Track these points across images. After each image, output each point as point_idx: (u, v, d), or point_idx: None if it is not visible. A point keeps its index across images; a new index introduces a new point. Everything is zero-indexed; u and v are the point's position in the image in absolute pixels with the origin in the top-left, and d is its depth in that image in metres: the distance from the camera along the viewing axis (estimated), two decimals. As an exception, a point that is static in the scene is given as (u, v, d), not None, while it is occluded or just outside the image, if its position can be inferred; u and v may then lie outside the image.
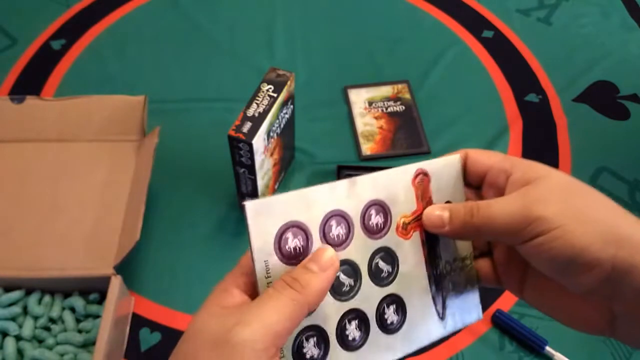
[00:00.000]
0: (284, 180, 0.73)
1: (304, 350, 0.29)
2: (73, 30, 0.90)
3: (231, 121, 0.58)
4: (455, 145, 0.76)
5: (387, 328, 0.31)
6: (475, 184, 0.34)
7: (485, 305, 0.63)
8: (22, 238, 0.63)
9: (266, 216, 0.28)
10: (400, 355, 0.31)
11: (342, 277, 0.30)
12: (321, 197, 0.29)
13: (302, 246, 0.29)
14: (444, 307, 0.33)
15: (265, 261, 0.28)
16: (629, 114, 0.83)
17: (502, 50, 0.90)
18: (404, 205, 0.32)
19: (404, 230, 0.32)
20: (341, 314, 0.30)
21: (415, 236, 0.32)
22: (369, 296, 0.31)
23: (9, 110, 0.71)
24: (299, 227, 0.29)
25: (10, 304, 0.59)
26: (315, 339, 0.29)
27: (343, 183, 0.30)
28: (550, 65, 0.88)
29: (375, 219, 0.31)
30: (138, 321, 0.62)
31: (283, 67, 0.63)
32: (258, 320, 0.26)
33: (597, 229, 0.27)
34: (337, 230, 0.30)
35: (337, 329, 0.30)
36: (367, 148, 0.77)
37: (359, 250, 0.30)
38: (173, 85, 0.83)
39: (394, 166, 0.32)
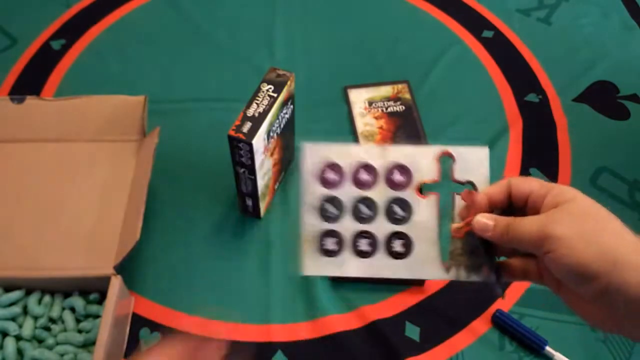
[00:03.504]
0: (284, 180, 0.73)
1: (324, 244, 0.41)
2: (73, 30, 0.91)
3: (231, 121, 0.58)
4: (455, 145, 0.76)
5: (392, 254, 0.41)
6: (520, 205, 0.40)
7: (485, 306, 0.63)
8: (22, 238, 0.63)
9: (317, 152, 0.41)
10: (397, 276, 0.42)
11: (362, 208, 0.41)
12: (358, 152, 0.41)
13: (336, 180, 0.41)
14: (451, 259, 0.41)
15: (308, 181, 0.41)
16: (629, 114, 0.83)
17: (502, 50, 0.90)
18: (425, 174, 0.41)
19: (457, 232, 0.41)
20: (357, 231, 0.41)
21: (432, 198, 0.41)
22: (381, 227, 0.41)
23: (9, 110, 0.71)
24: (337, 167, 0.41)
25: (10, 304, 0.59)
26: (334, 239, 0.41)
27: (376, 147, 0.42)
28: (550, 65, 0.88)
29: (398, 178, 0.41)
30: (138, 321, 0.62)
31: (283, 67, 0.63)
32: None
33: (599, 250, 0.33)
34: (364, 176, 0.41)
35: (352, 239, 0.41)
36: (367, 148, 0.77)
37: (380, 194, 0.41)
38: (173, 85, 0.83)
39: None
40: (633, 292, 0.32)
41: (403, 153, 0.42)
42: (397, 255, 0.42)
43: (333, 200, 0.41)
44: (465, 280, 0.41)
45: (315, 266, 0.42)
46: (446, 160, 0.42)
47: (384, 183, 0.42)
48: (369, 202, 0.42)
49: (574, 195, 0.36)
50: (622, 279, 0.33)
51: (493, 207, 0.40)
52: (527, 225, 0.36)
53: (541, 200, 0.37)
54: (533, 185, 0.38)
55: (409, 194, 0.42)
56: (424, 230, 0.42)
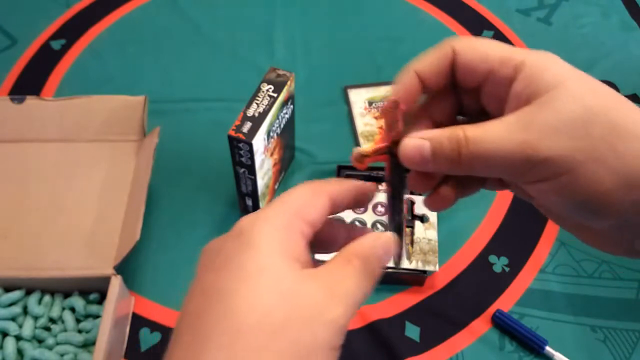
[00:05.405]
0: (283, 180, 0.73)
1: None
2: (73, 30, 0.90)
3: (231, 121, 0.58)
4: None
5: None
6: (469, 87, 0.27)
7: (485, 306, 0.63)
8: (22, 238, 0.63)
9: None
10: None
11: (357, 223, 0.65)
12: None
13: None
14: (413, 256, 0.62)
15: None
16: (629, 114, 0.83)
17: (502, 50, 0.90)
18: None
19: (359, 162, 0.30)
20: (353, 218, 0.65)
21: None
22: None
23: (9, 110, 0.71)
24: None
25: (10, 304, 0.59)
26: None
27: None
28: (550, 65, 0.88)
29: (380, 209, 0.67)
30: (138, 321, 0.62)
31: (283, 67, 0.63)
32: (347, 300, 0.25)
33: (622, 170, 0.22)
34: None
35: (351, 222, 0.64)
36: (367, 148, 0.77)
37: (368, 217, 0.66)
38: (173, 85, 0.83)
39: None
40: None
41: (382, 197, 0.65)
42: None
43: (337, 218, 0.58)
44: (422, 269, 0.62)
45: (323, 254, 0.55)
46: (410, 202, 0.65)
47: (371, 211, 0.67)
48: (361, 220, 0.66)
49: (562, 79, 0.23)
50: None
51: (428, 92, 0.28)
52: (496, 140, 0.23)
53: (506, 85, 0.24)
54: (491, 59, 0.25)
55: (386, 218, 0.61)
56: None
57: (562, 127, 0.22)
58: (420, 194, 0.66)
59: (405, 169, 0.28)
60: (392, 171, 0.29)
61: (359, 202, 0.30)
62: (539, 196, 0.25)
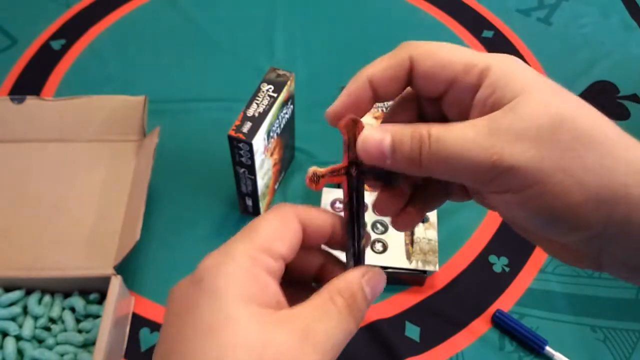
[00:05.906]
0: (283, 180, 0.73)
1: None
2: (73, 30, 0.90)
3: (231, 121, 0.58)
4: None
5: (374, 251, 0.62)
6: (429, 95, 0.25)
7: (485, 306, 0.63)
8: (22, 238, 0.63)
9: (330, 193, 0.67)
10: (378, 264, 0.48)
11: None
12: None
13: (339, 207, 0.64)
14: (413, 256, 0.61)
15: (324, 206, 0.62)
16: (629, 114, 0.83)
17: (502, 50, 0.90)
18: None
19: (314, 183, 0.29)
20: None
21: None
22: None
23: (9, 110, 0.71)
24: (341, 200, 0.63)
25: (10, 304, 0.59)
26: None
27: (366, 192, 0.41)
28: (550, 65, 0.88)
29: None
30: (138, 321, 0.62)
31: (283, 67, 0.63)
32: (326, 343, 0.24)
33: (591, 183, 0.21)
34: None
35: None
36: (367, 148, 0.77)
37: (368, 217, 0.63)
38: (173, 85, 0.83)
39: None
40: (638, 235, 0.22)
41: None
42: (378, 252, 0.62)
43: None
44: (422, 269, 0.61)
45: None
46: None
47: (370, 212, 0.60)
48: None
49: (530, 85, 0.23)
50: (627, 221, 0.21)
51: (380, 101, 0.27)
52: (462, 142, 0.22)
53: (471, 92, 0.23)
54: (454, 66, 0.24)
55: (386, 218, 0.62)
56: (396, 239, 0.63)
57: (528, 135, 0.21)
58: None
59: (363, 191, 0.27)
60: (351, 194, 0.28)
61: (340, 241, 0.28)
62: (503, 208, 0.24)
